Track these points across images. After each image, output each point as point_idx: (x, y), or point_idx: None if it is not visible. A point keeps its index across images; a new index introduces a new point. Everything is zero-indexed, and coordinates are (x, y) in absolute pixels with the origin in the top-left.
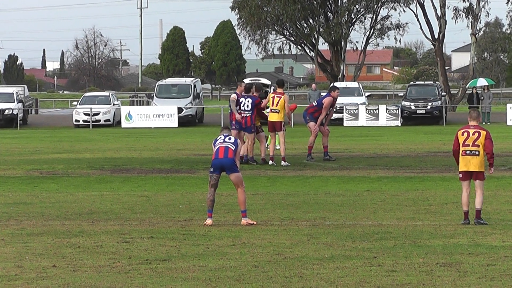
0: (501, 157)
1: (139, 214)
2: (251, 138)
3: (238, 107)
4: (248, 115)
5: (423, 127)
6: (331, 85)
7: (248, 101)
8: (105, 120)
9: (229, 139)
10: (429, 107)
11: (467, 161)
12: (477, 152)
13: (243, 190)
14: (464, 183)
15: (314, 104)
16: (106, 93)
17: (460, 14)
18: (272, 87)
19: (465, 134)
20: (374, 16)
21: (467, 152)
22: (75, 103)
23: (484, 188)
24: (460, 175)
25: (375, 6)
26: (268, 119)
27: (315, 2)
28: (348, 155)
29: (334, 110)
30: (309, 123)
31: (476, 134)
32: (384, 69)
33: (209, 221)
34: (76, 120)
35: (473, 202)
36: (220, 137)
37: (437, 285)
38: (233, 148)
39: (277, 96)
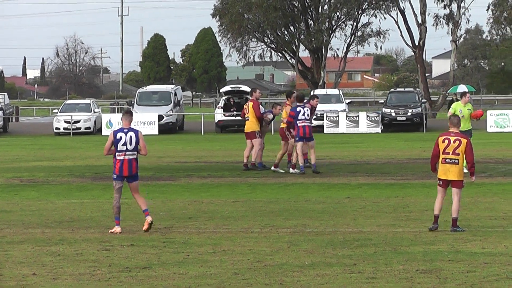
0: (481, 164)
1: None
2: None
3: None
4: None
5: (403, 134)
6: (311, 93)
7: (307, 110)
8: (86, 128)
9: (131, 144)
10: (409, 114)
11: (446, 169)
12: (456, 161)
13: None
14: (440, 189)
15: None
16: (86, 101)
17: (440, 21)
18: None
19: (446, 141)
20: (355, 23)
21: (447, 160)
22: (55, 110)
23: (462, 195)
24: (440, 182)
25: (356, 13)
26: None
27: (296, 10)
28: (329, 162)
29: (315, 117)
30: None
31: (457, 142)
32: (364, 76)
33: (117, 229)
34: (57, 128)
35: (449, 209)
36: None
37: None
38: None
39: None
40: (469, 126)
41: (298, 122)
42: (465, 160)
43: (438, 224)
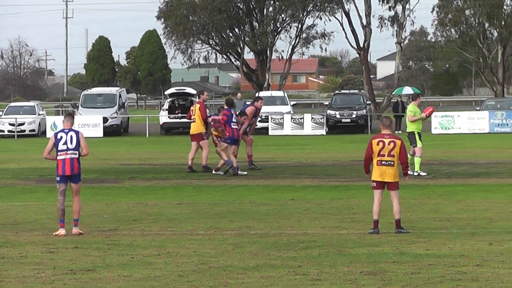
0: (425, 166)
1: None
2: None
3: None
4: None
5: (348, 135)
6: (256, 94)
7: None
8: (30, 130)
9: (71, 143)
10: (354, 115)
11: (382, 171)
12: (392, 163)
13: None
14: (376, 192)
15: (237, 114)
16: (31, 103)
17: (385, 23)
18: (196, 95)
19: (380, 144)
20: (300, 25)
21: (383, 162)
22: (0, 113)
23: (407, 197)
24: (374, 184)
25: (301, 15)
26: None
27: (240, 12)
28: (273, 164)
29: (259, 119)
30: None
31: (392, 144)
32: (309, 78)
33: (62, 231)
34: (1, 130)
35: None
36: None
37: None
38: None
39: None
40: (421, 127)
41: (232, 124)
42: (416, 160)
43: (378, 229)
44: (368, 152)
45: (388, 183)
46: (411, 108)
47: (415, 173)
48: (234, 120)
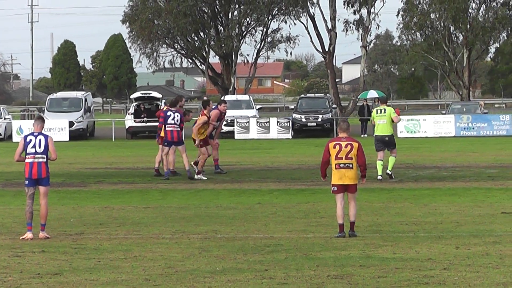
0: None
1: None
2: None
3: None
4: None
5: (314, 139)
6: (221, 98)
7: (177, 115)
8: None
9: (40, 147)
10: (320, 119)
11: (341, 174)
12: (351, 165)
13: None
14: (338, 196)
15: None
16: None
17: (350, 27)
18: (163, 101)
19: (337, 147)
20: (265, 29)
21: (341, 165)
22: None
23: (372, 201)
24: (335, 188)
25: (266, 19)
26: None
27: (205, 16)
28: (240, 168)
29: (225, 123)
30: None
31: (349, 146)
32: (275, 81)
33: (29, 235)
34: None
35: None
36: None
37: None
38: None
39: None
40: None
41: (167, 126)
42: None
43: (344, 233)
44: (325, 156)
45: (348, 186)
46: (389, 111)
47: (389, 172)
48: (171, 121)
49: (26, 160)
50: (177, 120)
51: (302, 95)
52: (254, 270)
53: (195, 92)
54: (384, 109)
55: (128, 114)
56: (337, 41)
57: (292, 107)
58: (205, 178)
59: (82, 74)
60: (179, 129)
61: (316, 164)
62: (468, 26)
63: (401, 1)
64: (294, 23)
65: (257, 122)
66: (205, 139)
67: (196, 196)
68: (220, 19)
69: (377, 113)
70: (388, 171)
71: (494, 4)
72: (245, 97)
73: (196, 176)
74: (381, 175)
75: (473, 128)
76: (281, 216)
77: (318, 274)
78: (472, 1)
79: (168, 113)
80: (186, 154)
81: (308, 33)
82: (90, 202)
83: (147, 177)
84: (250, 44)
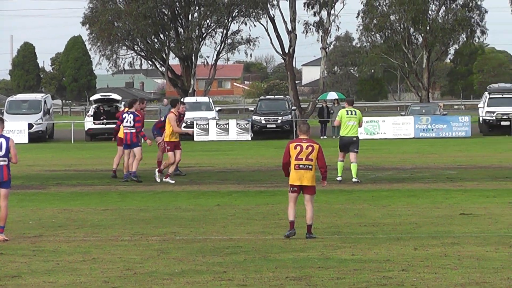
0: (350, 171)
1: None
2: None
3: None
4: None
5: (273, 141)
6: (180, 99)
7: (130, 117)
8: None
9: (1, 150)
10: (279, 121)
11: (300, 175)
12: (310, 167)
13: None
14: (292, 196)
15: (162, 119)
16: None
17: (310, 28)
18: (123, 103)
19: (298, 147)
20: (225, 31)
21: (301, 166)
22: None
23: (332, 202)
24: (294, 188)
25: (226, 20)
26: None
27: (165, 17)
28: (199, 169)
29: (184, 124)
30: (157, 138)
31: (310, 148)
32: (234, 83)
33: (0, 237)
34: None
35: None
36: None
37: None
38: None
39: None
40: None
41: (124, 128)
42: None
43: (295, 230)
44: (285, 157)
45: (305, 187)
46: (359, 114)
47: (356, 180)
48: (126, 123)
49: None
50: (130, 122)
51: (262, 97)
52: (213, 272)
53: (154, 94)
54: (355, 111)
55: (88, 116)
56: (297, 43)
57: (252, 109)
58: (173, 182)
59: (41, 76)
60: (133, 131)
61: (275, 166)
62: (428, 28)
63: (361, 3)
64: (254, 25)
65: (217, 124)
66: (175, 142)
67: (155, 198)
68: (180, 21)
69: (347, 114)
70: (354, 179)
71: (454, 5)
72: (205, 99)
73: (164, 179)
74: (340, 176)
75: (432, 130)
76: (240, 218)
77: (277, 275)
78: (432, 3)
79: (124, 115)
80: (140, 159)
81: (268, 35)
82: (49, 204)
83: (106, 179)
84: (210, 46)
